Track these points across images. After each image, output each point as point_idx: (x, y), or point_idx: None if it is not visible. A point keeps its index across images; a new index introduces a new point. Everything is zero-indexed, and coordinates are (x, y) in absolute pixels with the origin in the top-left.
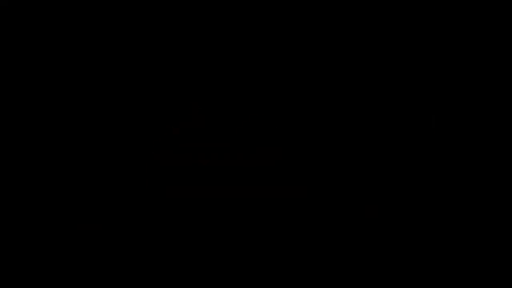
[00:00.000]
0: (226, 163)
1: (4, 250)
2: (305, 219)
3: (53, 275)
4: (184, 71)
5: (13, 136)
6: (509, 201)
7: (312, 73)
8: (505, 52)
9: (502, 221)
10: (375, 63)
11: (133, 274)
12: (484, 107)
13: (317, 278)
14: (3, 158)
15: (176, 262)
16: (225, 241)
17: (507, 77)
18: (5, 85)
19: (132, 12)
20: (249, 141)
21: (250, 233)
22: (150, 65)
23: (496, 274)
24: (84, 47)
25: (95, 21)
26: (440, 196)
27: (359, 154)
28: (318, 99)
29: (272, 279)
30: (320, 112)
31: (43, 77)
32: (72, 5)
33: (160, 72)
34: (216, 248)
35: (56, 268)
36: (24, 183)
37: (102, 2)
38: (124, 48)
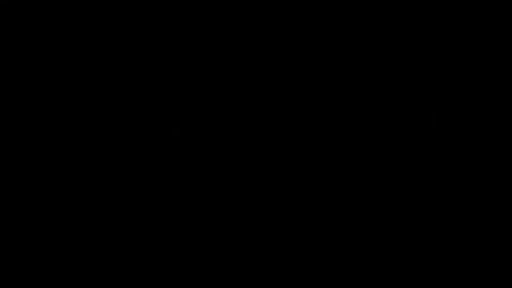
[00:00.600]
0: (226, 163)
1: (4, 250)
2: (305, 219)
3: (53, 275)
4: (184, 71)
5: (13, 136)
6: (509, 201)
7: (312, 73)
8: (505, 52)
9: (502, 221)
10: (375, 63)
11: (133, 274)
12: (484, 107)
13: (317, 278)
14: (3, 158)
15: (176, 262)
16: (225, 241)
17: (507, 77)
18: (5, 85)
19: (132, 12)
20: (249, 141)
21: (250, 233)
22: (150, 65)
23: (496, 274)
24: (84, 47)
25: (95, 21)
26: (440, 196)
27: (359, 154)
28: (318, 99)
29: (272, 279)
30: (320, 112)
31: (43, 77)
32: (72, 5)
33: (160, 72)
34: (216, 248)
35: (56, 268)
36: (24, 183)
37: (102, 2)
38: (124, 49)
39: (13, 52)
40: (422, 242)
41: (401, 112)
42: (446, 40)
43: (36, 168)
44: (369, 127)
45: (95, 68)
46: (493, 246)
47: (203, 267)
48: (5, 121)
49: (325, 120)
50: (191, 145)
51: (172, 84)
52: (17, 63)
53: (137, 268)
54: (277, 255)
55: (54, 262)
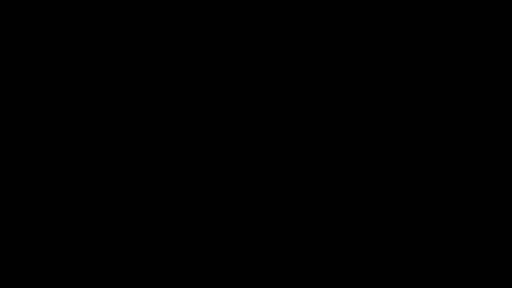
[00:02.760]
0: (226, 165)
1: (4, 250)
2: (301, 208)
3: (53, 275)
4: (183, 70)
5: (13, 137)
6: (509, 201)
7: (310, 70)
8: (505, 52)
9: (501, 220)
10: (374, 62)
11: (133, 274)
12: (483, 107)
13: (310, 269)
14: (3, 158)
15: (176, 261)
16: (223, 238)
17: (507, 77)
18: (5, 85)
19: (130, 11)
20: (248, 142)
21: (244, 220)
22: (149, 64)
23: (496, 274)
24: (81, 46)
25: (93, 21)
26: (428, 187)
27: (347, 146)
28: (316, 96)
29: (266, 271)
30: (316, 108)
31: (41, 77)
32: (71, 5)
33: (159, 72)
34: (216, 247)
35: (56, 268)
36: (24, 183)
37: (101, 1)
38: (121, 48)
39: (12, 52)
40: (408, 233)
41: (393, 105)
42: (446, 40)
43: (36, 169)
44: (359, 120)
45: (94, 68)
46: (493, 246)
47: (202, 266)
48: (5, 121)
49: (319, 115)
50: (191, 145)
51: (172, 83)
52: (16, 62)
53: (137, 268)
54: (273, 252)
55: (54, 262)
